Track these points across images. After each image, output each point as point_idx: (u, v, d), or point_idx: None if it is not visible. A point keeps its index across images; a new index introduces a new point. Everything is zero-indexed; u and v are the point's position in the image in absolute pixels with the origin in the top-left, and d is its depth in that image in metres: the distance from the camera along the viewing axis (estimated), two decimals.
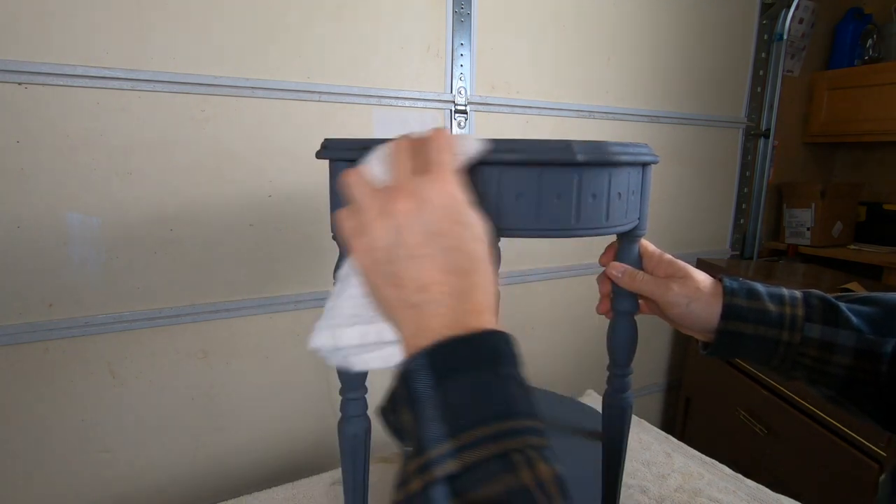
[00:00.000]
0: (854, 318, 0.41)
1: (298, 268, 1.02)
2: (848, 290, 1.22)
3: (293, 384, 1.05)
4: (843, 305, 0.43)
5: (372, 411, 0.49)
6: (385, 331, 0.34)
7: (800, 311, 0.43)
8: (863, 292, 0.46)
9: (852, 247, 1.61)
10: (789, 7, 1.51)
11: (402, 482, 0.25)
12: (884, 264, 1.46)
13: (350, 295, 0.36)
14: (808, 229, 1.62)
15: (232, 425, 1.01)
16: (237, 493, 0.73)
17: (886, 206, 1.62)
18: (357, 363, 0.36)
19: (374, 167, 0.34)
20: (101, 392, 0.88)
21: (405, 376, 0.27)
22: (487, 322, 0.29)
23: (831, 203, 1.59)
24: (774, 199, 1.74)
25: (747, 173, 1.63)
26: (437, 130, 0.33)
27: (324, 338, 0.36)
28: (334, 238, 0.43)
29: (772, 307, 0.43)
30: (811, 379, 0.44)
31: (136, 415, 0.92)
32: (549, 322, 1.36)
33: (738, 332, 0.44)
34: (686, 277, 0.46)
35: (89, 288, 0.85)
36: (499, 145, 0.35)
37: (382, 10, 1.01)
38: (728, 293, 0.45)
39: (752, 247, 1.67)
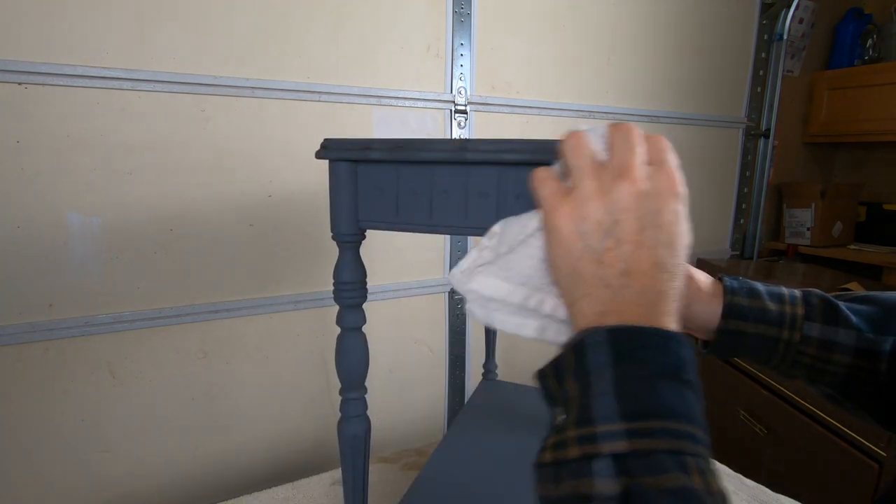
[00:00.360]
0: (853, 318, 0.42)
1: (298, 268, 1.02)
2: (847, 289, 1.22)
3: (293, 384, 1.05)
4: (842, 304, 0.43)
5: (372, 410, 0.49)
6: (547, 302, 0.33)
7: (800, 310, 0.43)
8: (862, 291, 0.46)
9: (852, 247, 1.61)
10: (789, 7, 1.51)
11: (557, 445, 0.25)
12: (884, 264, 1.46)
13: (530, 255, 0.34)
14: (808, 229, 1.62)
15: (232, 425, 1.01)
16: (237, 493, 0.73)
17: (886, 206, 1.62)
18: (502, 323, 0.34)
19: (596, 141, 0.32)
20: (101, 392, 0.88)
21: (580, 346, 0.27)
22: (673, 327, 0.28)
23: (831, 203, 1.59)
24: (774, 199, 1.74)
25: (747, 173, 1.63)
26: (657, 136, 0.32)
27: (486, 284, 0.34)
28: (334, 238, 0.43)
29: (772, 306, 0.43)
30: (811, 378, 0.44)
31: (136, 415, 0.92)
32: None
33: (739, 331, 0.44)
34: (686, 277, 0.46)
35: (89, 288, 0.85)
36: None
37: (382, 10, 1.01)
38: (729, 292, 0.45)
39: (752, 247, 1.67)
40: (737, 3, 1.50)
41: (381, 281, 1.11)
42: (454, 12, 1.08)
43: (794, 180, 1.75)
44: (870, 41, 1.65)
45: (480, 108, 1.15)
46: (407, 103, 1.07)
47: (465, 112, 1.13)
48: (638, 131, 0.32)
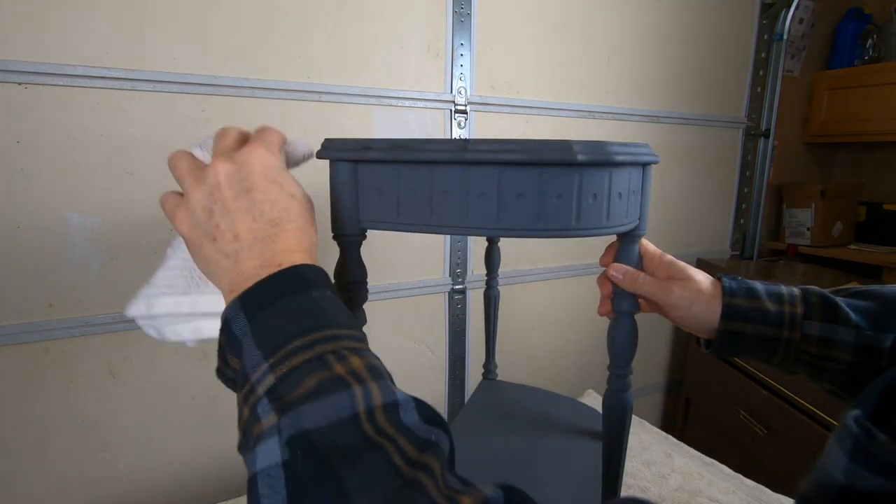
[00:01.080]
0: (853, 315, 0.42)
1: None
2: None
3: None
4: (841, 301, 0.43)
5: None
6: (199, 303, 0.36)
7: (799, 309, 0.43)
8: (862, 286, 0.46)
9: (852, 247, 1.61)
10: (789, 7, 1.51)
11: (238, 419, 0.26)
12: (884, 264, 1.46)
13: (169, 266, 0.37)
14: (808, 229, 1.62)
15: (232, 425, 1.01)
16: (237, 493, 0.73)
17: (886, 206, 1.62)
18: (169, 333, 0.37)
19: (198, 152, 0.37)
20: (101, 392, 0.88)
21: (225, 324, 0.29)
22: (299, 260, 0.31)
23: (831, 203, 1.59)
24: (774, 199, 1.74)
25: (747, 173, 1.63)
26: (266, 126, 0.37)
27: (139, 306, 0.37)
28: (335, 238, 0.43)
29: (771, 306, 0.44)
30: (813, 375, 0.45)
31: (136, 415, 0.92)
32: (549, 322, 1.36)
33: (739, 332, 0.44)
34: (687, 279, 0.46)
35: (89, 288, 0.85)
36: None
37: (382, 10, 1.01)
38: (727, 293, 0.45)
39: (752, 247, 1.67)
40: (737, 3, 1.50)
41: (381, 281, 1.10)
42: (454, 12, 1.08)
43: (794, 180, 1.75)
44: (870, 41, 1.65)
45: (480, 108, 1.15)
46: (407, 103, 1.07)
47: (465, 112, 1.13)
48: (234, 129, 0.36)
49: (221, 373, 0.30)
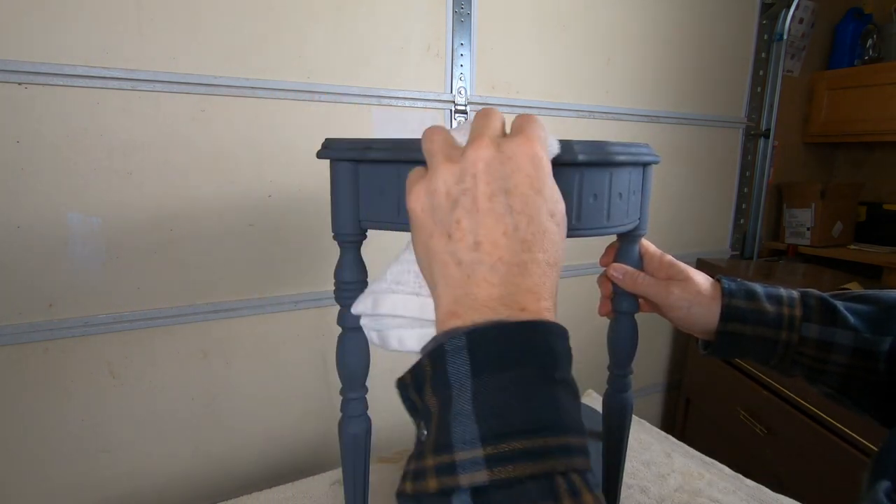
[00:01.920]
0: (851, 318, 0.42)
1: (298, 268, 1.02)
2: (847, 289, 1.22)
3: (293, 384, 1.05)
4: (840, 305, 0.43)
5: (372, 410, 0.49)
6: (430, 308, 0.29)
7: (797, 312, 0.43)
8: (861, 290, 0.46)
9: (852, 247, 1.61)
10: (789, 7, 1.51)
11: (416, 474, 0.22)
12: (884, 264, 1.46)
13: (403, 259, 0.31)
14: (808, 229, 1.62)
15: (232, 425, 1.01)
16: (237, 493, 0.73)
17: (886, 206, 1.62)
18: (392, 339, 0.31)
19: (458, 135, 0.30)
20: (101, 392, 0.88)
21: (436, 354, 0.23)
22: (545, 310, 0.25)
23: (831, 203, 1.59)
24: (774, 199, 1.74)
25: (747, 173, 1.63)
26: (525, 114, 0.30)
27: (365, 303, 0.31)
28: (335, 238, 0.43)
29: (770, 308, 0.44)
30: (810, 377, 0.45)
31: (136, 415, 0.92)
32: None
33: (738, 333, 0.44)
34: (686, 280, 0.46)
35: (89, 288, 0.85)
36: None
37: (382, 10, 1.01)
38: (727, 294, 0.45)
39: (752, 247, 1.67)
40: (737, 3, 1.50)
41: None
42: (454, 12, 1.08)
43: (794, 180, 1.75)
44: (870, 41, 1.65)
45: (480, 107, 1.15)
46: (407, 103, 1.07)
47: (465, 112, 1.13)
48: (499, 112, 0.30)
49: (405, 389, 0.25)
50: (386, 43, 1.03)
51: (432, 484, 0.21)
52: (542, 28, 1.20)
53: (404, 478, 0.23)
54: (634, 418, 0.88)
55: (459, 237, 0.25)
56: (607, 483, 0.53)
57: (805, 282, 1.36)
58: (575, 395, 0.24)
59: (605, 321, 0.51)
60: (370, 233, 0.43)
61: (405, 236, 0.32)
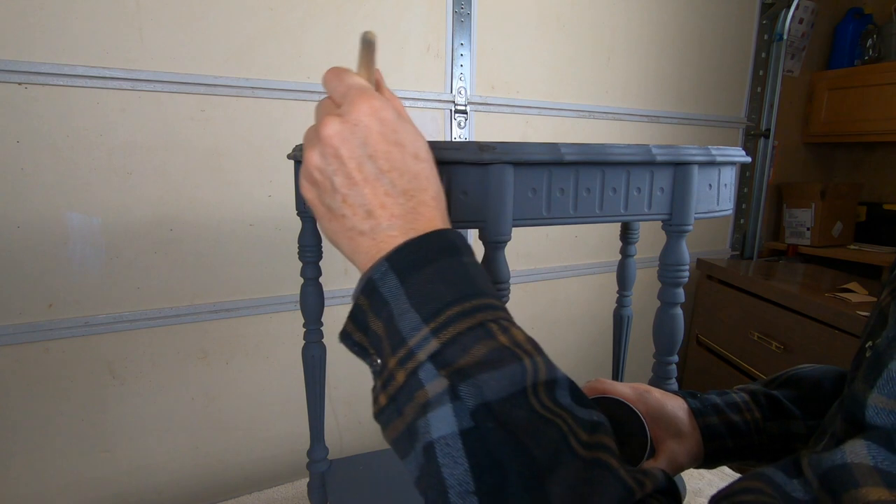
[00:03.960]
0: (793, 408, 0.44)
1: (298, 268, 1.02)
2: (848, 289, 1.22)
3: (293, 384, 1.05)
4: (778, 395, 0.45)
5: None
6: None
7: (757, 414, 0.45)
8: (782, 372, 0.48)
9: (852, 247, 1.61)
10: (789, 7, 1.51)
11: (385, 384, 0.25)
12: (884, 264, 1.46)
13: None
14: (808, 229, 1.62)
15: (232, 425, 1.01)
16: (237, 493, 0.73)
17: (886, 206, 1.62)
18: None
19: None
20: (101, 392, 0.88)
21: (370, 286, 0.27)
22: (441, 227, 0.29)
23: (831, 203, 1.59)
24: (774, 199, 1.74)
25: (747, 173, 1.63)
26: (329, 71, 0.34)
27: None
28: (297, 214, 0.43)
29: (736, 418, 0.45)
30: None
31: (136, 415, 0.92)
32: (549, 322, 1.36)
33: (722, 448, 0.46)
34: (679, 435, 0.45)
35: (89, 288, 0.85)
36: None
37: (382, 10, 1.01)
38: (698, 415, 0.46)
39: (752, 247, 1.67)
40: (737, 3, 1.50)
41: None
42: (454, 12, 1.08)
43: (794, 180, 1.75)
44: (870, 41, 1.65)
45: (480, 108, 1.15)
46: (407, 103, 1.07)
47: (465, 112, 1.13)
48: (325, 99, 0.33)
49: (348, 337, 0.28)
50: (386, 43, 1.03)
51: (400, 377, 0.25)
52: (542, 28, 1.20)
53: (375, 400, 0.26)
54: None
55: (352, 213, 0.29)
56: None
57: (805, 282, 1.36)
58: (482, 270, 0.29)
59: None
60: None
61: None
